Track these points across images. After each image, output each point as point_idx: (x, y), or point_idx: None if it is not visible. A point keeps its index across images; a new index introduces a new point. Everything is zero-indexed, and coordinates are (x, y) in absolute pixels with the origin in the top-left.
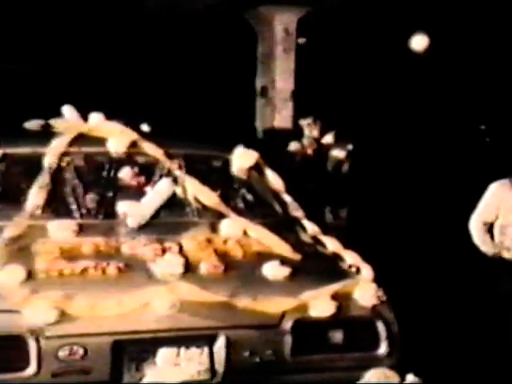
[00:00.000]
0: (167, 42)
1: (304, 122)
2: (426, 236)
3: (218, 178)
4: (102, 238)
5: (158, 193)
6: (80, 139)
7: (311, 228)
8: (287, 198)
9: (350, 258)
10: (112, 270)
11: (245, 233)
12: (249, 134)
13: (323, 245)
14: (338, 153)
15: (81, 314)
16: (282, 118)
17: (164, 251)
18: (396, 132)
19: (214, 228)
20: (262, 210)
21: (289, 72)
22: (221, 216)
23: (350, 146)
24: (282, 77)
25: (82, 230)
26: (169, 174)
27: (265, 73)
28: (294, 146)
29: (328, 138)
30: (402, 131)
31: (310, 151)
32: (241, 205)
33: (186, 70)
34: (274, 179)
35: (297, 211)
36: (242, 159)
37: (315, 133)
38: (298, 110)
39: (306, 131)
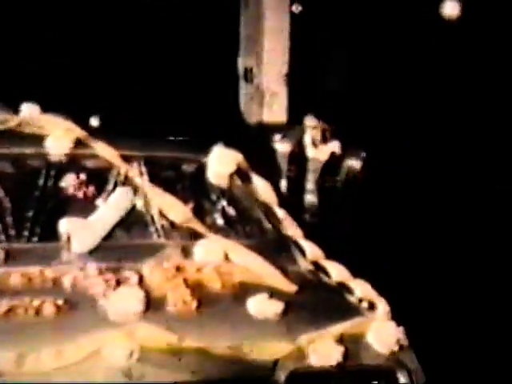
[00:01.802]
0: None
1: (309, 123)
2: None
3: (190, 187)
4: (36, 268)
5: (111, 207)
6: (8, 137)
7: (311, 251)
8: (280, 213)
9: (361, 289)
10: (49, 310)
11: (225, 258)
12: (230, 129)
13: (326, 272)
14: (354, 163)
15: (6, 369)
16: (273, 109)
17: (119, 283)
18: (420, 131)
19: (185, 252)
20: (247, 227)
21: (281, 49)
22: (194, 236)
23: (363, 154)
24: (271, 56)
25: (8, 256)
26: (126, 182)
27: (249, 50)
28: (284, 145)
29: (334, 146)
30: (427, 129)
31: (322, 159)
32: (220, 221)
33: (149, 43)
34: (262, 188)
35: (292, 229)
36: (220, 162)
37: (317, 137)
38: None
39: (308, 135)
